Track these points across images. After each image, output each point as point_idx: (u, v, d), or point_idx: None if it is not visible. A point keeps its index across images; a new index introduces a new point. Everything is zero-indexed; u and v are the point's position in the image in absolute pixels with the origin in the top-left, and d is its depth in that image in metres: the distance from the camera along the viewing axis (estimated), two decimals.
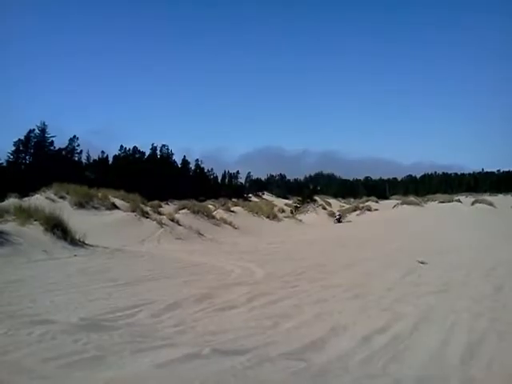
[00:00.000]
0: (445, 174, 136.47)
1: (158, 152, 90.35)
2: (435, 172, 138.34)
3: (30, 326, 4.28)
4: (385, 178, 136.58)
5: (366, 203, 43.70)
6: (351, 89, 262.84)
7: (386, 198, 66.48)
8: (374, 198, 48.75)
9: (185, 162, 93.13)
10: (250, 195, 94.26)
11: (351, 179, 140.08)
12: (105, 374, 3.11)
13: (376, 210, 39.45)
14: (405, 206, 37.59)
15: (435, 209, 34.31)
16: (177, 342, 4.16)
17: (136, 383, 2.87)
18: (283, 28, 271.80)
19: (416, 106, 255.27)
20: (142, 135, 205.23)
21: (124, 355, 3.57)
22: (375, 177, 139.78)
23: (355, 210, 40.26)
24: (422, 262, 11.03)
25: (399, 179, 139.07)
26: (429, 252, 13.33)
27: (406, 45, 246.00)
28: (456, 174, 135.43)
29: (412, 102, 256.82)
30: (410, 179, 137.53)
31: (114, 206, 23.88)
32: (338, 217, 34.76)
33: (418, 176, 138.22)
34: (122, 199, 25.19)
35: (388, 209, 38.47)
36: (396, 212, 35.65)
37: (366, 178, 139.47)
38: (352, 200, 68.34)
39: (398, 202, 40.71)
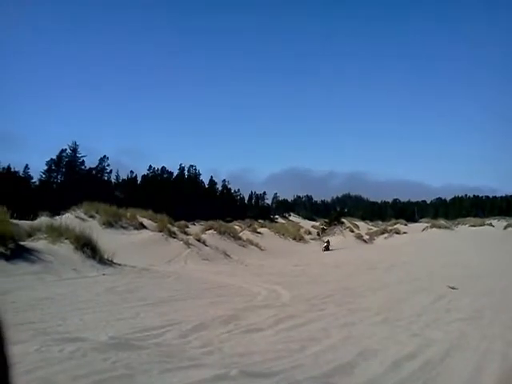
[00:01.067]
0: (475, 197, 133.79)
1: (186, 172, 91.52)
2: (466, 195, 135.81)
3: (61, 343, 4.34)
4: (413, 200, 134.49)
5: (395, 226, 43.00)
6: (379, 110, 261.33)
7: (414, 220, 65.36)
8: (403, 221, 47.91)
9: (212, 182, 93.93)
10: (277, 216, 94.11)
11: (379, 201, 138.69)
12: None
13: (405, 233, 38.81)
14: (434, 229, 36.87)
15: (466, 233, 33.61)
16: (204, 362, 4.17)
17: None
18: (313, 50, 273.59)
19: (445, 128, 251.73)
20: (170, 155, 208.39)
21: (152, 374, 3.59)
22: (404, 199, 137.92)
23: (383, 233, 39.69)
24: (452, 288, 10.80)
25: (428, 202, 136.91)
26: (459, 277, 13.04)
27: (433, 65, 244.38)
28: (487, 196, 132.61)
29: (441, 123, 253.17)
30: (440, 202, 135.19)
31: (142, 226, 24.17)
32: (326, 244, 29.37)
33: (448, 199, 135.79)
34: (150, 219, 25.49)
35: (417, 232, 37.76)
36: (425, 235, 35.00)
37: (395, 200, 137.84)
38: (380, 223, 67.32)
39: (427, 225, 39.91)
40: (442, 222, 41.97)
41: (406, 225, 45.16)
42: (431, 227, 37.69)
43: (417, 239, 33.01)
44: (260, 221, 48.77)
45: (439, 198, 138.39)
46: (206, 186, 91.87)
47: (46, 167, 74.30)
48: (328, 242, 29.99)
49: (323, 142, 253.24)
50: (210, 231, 25.93)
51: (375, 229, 48.74)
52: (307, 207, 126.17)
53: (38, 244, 12.22)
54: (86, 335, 4.87)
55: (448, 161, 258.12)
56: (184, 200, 72.53)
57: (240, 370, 3.76)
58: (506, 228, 34.61)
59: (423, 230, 37.89)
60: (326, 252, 27.73)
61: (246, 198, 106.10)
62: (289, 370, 4.08)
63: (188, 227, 29.47)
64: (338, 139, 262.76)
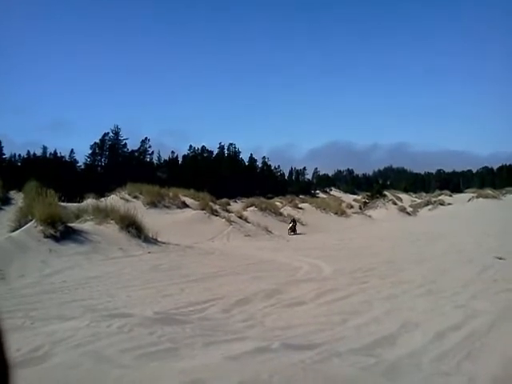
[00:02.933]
0: None
1: (226, 151, 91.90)
2: None
3: (109, 318, 4.52)
4: (458, 170, 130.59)
5: (439, 197, 42.06)
6: (422, 78, 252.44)
7: (459, 191, 63.62)
8: (448, 192, 46.82)
9: (252, 159, 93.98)
10: (318, 191, 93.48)
11: (422, 173, 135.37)
12: (178, 364, 3.24)
13: (449, 204, 37.90)
14: (481, 199, 35.83)
15: None
16: (247, 335, 4.26)
17: (207, 373, 2.96)
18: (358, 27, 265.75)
19: (492, 91, 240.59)
20: (212, 136, 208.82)
21: (196, 347, 3.70)
22: (448, 170, 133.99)
23: (427, 205, 38.93)
24: (500, 258, 10.51)
25: (474, 171, 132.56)
26: (508, 247, 12.66)
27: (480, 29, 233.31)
28: None
29: (488, 86, 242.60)
30: (487, 171, 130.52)
31: (185, 205, 24.59)
32: (291, 225, 23.39)
33: (495, 168, 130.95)
34: (192, 198, 25.89)
35: (462, 202, 36.78)
36: (471, 206, 34.05)
37: (438, 170, 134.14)
38: (424, 194, 65.90)
39: (473, 195, 38.74)
40: (488, 191, 40.63)
41: (450, 196, 44.11)
42: (477, 197, 36.64)
43: (462, 210, 32.21)
44: (301, 196, 48.69)
45: (486, 167, 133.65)
46: (246, 164, 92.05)
47: (90, 151, 76.42)
48: (294, 222, 23.59)
49: (366, 115, 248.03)
50: (252, 208, 26.12)
51: (419, 201, 47.81)
52: (348, 181, 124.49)
53: (85, 225, 12.62)
54: (133, 311, 5.05)
55: (495, 127, 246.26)
56: (225, 178, 73.06)
57: (281, 343, 3.81)
58: None
59: (469, 200, 36.85)
60: (368, 225, 27.31)
61: (287, 174, 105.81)
62: (330, 342, 4.11)
63: (230, 205, 29.76)
64: (381, 111, 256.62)
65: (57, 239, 10.75)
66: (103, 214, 13.49)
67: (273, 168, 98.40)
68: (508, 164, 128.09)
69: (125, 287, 7.03)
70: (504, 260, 10.31)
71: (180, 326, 4.44)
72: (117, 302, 5.82)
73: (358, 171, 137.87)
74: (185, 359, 3.38)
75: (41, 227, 10.82)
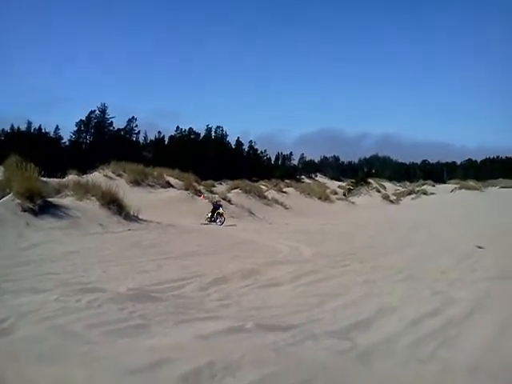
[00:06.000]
0: (508, 159, 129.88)
1: (213, 133, 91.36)
2: (497, 156, 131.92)
3: (80, 293, 4.40)
4: (443, 161, 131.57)
5: (422, 187, 42.39)
6: (412, 69, 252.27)
7: (443, 182, 64.23)
8: (431, 182, 47.17)
9: (239, 143, 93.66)
10: (303, 177, 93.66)
11: (408, 163, 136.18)
12: (147, 342, 3.14)
13: (432, 193, 38.22)
14: (463, 190, 36.22)
15: (496, 194, 32.86)
16: (221, 315, 4.17)
17: (176, 352, 2.86)
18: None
19: (481, 84, 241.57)
20: (202, 118, 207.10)
21: (168, 325, 3.60)
22: (433, 160, 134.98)
23: (410, 194, 39.25)
24: (479, 247, 10.59)
25: (458, 163, 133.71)
26: (487, 237, 12.77)
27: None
28: None
29: (477, 79, 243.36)
30: (470, 163, 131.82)
31: (169, 185, 24.46)
32: (211, 213, 17.93)
33: (479, 160, 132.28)
34: (177, 178, 25.74)
35: (445, 193, 37.12)
36: (453, 197, 34.37)
37: (423, 161, 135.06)
38: (408, 184, 66.42)
39: (455, 186, 39.19)
40: (471, 183, 41.08)
41: (433, 186, 44.47)
42: (460, 188, 37.03)
43: (445, 200, 32.53)
44: (286, 181, 48.68)
45: (470, 160, 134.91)
46: (233, 147, 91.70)
47: (75, 128, 75.47)
48: (215, 206, 18.13)
49: (357, 103, 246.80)
50: (236, 190, 26.05)
51: (402, 189, 48.20)
52: (334, 168, 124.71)
53: (66, 200, 12.41)
54: (106, 286, 4.93)
55: (483, 121, 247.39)
56: (211, 161, 72.79)
57: (256, 323, 3.74)
58: None
59: (451, 191, 37.23)
60: (351, 212, 27.34)
61: (273, 159, 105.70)
62: (306, 324, 4.03)
63: (214, 186, 29.65)
64: (372, 100, 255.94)
65: (35, 213, 10.54)
66: (84, 190, 13.29)
67: (259, 152, 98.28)
68: (491, 157, 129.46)
69: (101, 263, 6.88)
70: (483, 249, 10.38)
71: (153, 303, 4.34)
72: (91, 277, 5.68)
73: (345, 159, 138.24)
74: (155, 337, 3.28)
75: (18, 200, 10.60)
